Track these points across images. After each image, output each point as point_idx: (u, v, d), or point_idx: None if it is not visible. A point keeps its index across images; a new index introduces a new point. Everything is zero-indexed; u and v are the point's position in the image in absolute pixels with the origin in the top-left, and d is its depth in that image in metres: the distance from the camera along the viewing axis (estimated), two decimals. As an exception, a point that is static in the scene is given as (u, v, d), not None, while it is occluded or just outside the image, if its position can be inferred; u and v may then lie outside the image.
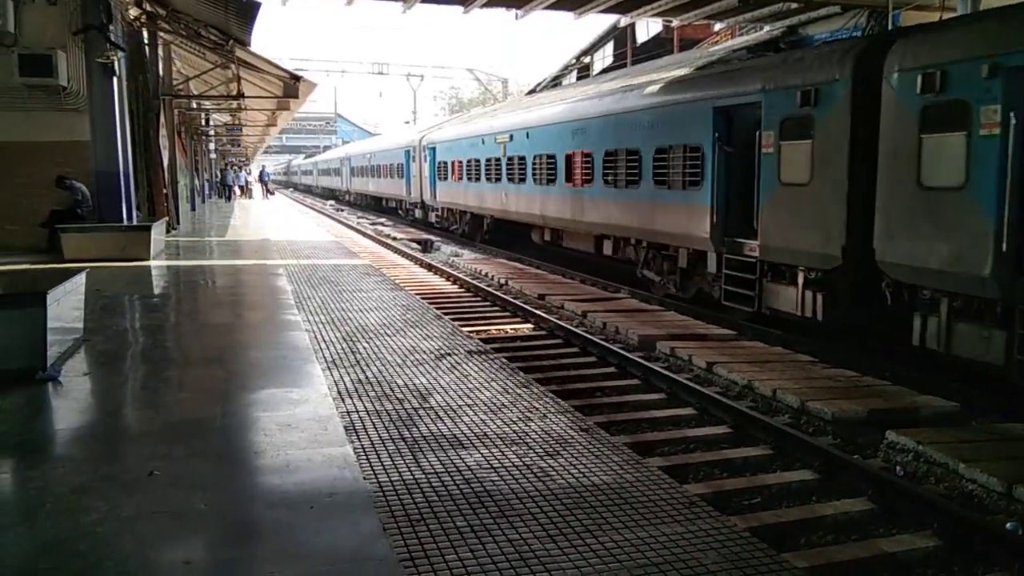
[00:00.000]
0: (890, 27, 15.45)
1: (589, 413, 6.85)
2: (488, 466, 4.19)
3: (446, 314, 9.84)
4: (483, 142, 21.38)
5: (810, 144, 9.24)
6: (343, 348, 6.89)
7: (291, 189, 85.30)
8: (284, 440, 4.48)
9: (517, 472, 4.12)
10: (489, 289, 14.22)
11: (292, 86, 21.41)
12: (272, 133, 48.12)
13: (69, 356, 6.39)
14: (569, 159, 15.70)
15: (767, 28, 21.14)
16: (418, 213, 29.99)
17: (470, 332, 9.20)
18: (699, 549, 3.35)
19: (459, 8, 17.25)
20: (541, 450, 4.46)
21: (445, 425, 4.86)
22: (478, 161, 21.61)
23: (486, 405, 5.31)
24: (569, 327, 10.77)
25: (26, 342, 5.70)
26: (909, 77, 7.91)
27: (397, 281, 12.25)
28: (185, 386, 5.96)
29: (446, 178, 25.08)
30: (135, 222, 14.43)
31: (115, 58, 13.40)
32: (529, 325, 11.58)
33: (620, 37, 35.35)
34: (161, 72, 19.99)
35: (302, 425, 4.75)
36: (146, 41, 18.44)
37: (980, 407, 7.37)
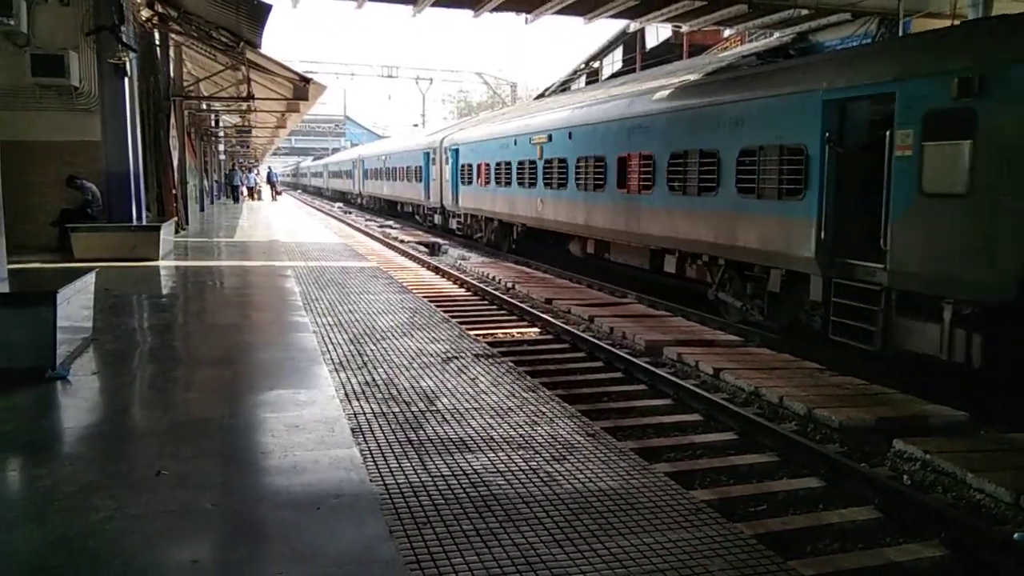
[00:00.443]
0: (900, 34, 15.43)
1: (596, 418, 6.84)
2: (495, 470, 4.20)
3: (453, 317, 9.85)
4: (515, 143, 19.58)
5: (970, 145, 7.44)
6: (350, 350, 6.90)
7: (299, 191, 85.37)
8: (291, 441, 4.49)
9: (524, 476, 4.12)
10: (496, 293, 14.24)
11: (302, 88, 21.50)
12: (281, 135, 48.34)
13: (78, 355, 6.42)
14: (623, 162, 13.88)
15: (777, 34, 21.15)
16: (437, 219, 28.35)
17: (477, 335, 9.21)
18: (705, 556, 3.34)
19: (469, 12, 17.31)
20: (548, 454, 4.46)
21: (452, 428, 4.86)
22: (508, 164, 19.89)
23: (493, 409, 5.31)
24: (576, 332, 10.77)
25: (36, 341, 5.74)
26: None
27: (404, 284, 12.27)
28: (193, 386, 5.98)
29: (470, 182, 23.29)
30: (144, 222, 14.49)
31: (127, 59, 13.48)
32: (536, 329, 11.58)
33: (629, 42, 35.38)
34: (172, 73, 20.11)
35: (309, 426, 4.76)
36: (157, 42, 18.56)
37: (989, 417, 7.33)
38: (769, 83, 10.39)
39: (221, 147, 41.53)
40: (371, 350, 6.93)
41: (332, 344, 7.11)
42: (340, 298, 9.82)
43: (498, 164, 20.72)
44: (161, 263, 12.89)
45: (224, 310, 9.43)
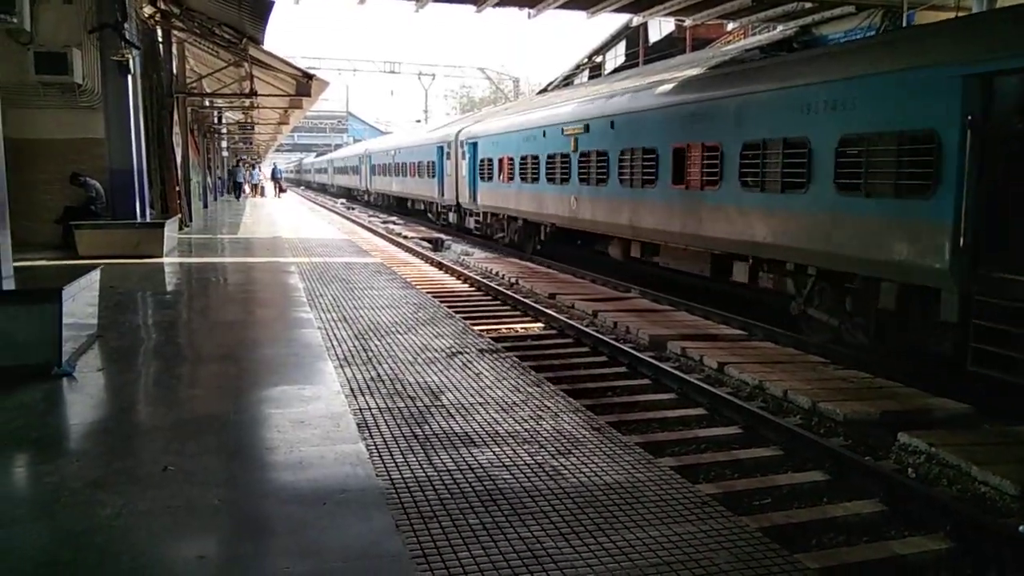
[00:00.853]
0: (904, 26, 15.37)
1: (600, 412, 6.83)
2: (500, 464, 4.20)
3: (457, 312, 9.86)
4: (544, 135, 17.82)
5: None
6: (355, 345, 6.91)
7: (303, 187, 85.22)
8: (297, 437, 4.50)
9: (529, 470, 4.13)
10: (500, 288, 14.24)
11: (304, 84, 21.51)
12: (284, 131, 48.33)
13: (83, 352, 6.44)
14: (680, 154, 12.16)
15: (780, 28, 21.08)
16: (452, 217, 26.47)
17: (481, 331, 9.22)
18: (711, 549, 3.35)
19: (471, 7, 17.27)
20: (553, 448, 4.47)
21: (457, 423, 4.87)
22: (536, 158, 18.17)
23: (497, 403, 5.32)
24: (580, 327, 10.77)
25: (42, 338, 5.75)
26: None
27: (408, 279, 12.28)
28: (198, 382, 5.99)
29: (491, 178, 21.47)
30: (148, 219, 14.52)
31: (130, 56, 13.50)
32: (540, 324, 11.58)
33: (632, 37, 35.33)
34: (175, 70, 20.13)
35: (314, 422, 4.77)
36: (160, 39, 18.57)
37: (994, 409, 7.32)
38: (883, 57, 8.69)
39: (224, 144, 41.58)
40: (376, 346, 6.94)
41: (337, 340, 7.12)
42: (344, 294, 9.83)
43: (523, 158, 19.03)
44: (165, 260, 12.91)
45: (228, 306, 9.45)
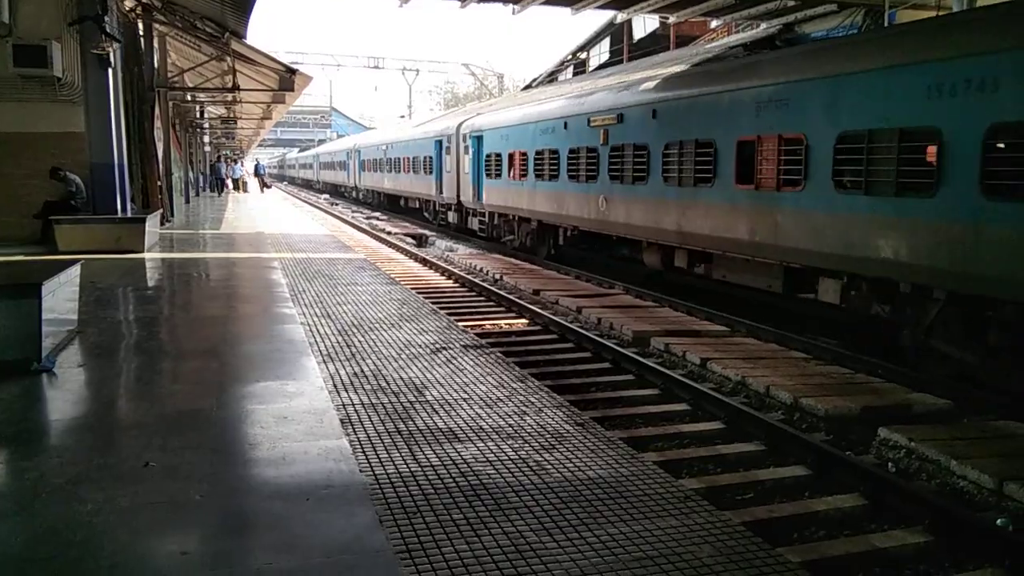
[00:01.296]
0: (886, 25, 15.49)
1: (584, 408, 6.87)
2: (484, 459, 4.21)
3: (441, 309, 9.85)
4: (565, 126, 15.85)
5: None
6: (338, 341, 6.89)
7: (285, 183, 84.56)
8: (280, 432, 4.48)
9: (513, 466, 4.13)
10: (484, 284, 14.23)
11: (287, 79, 21.40)
12: (267, 126, 48.10)
13: (63, 348, 6.38)
14: (744, 148, 10.54)
15: (763, 25, 21.19)
16: (452, 217, 24.32)
17: (465, 327, 9.19)
18: (694, 543, 3.37)
19: (455, 2, 17.25)
20: (537, 444, 4.47)
21: (441, 419, 4.87)
22: (556, 153, 16.32)
23: (482, 399, 5.32)
24: (564, 323, 10.79)
25: (21, 333, 5.69)
26: None
27: (392, 275, 12.25)
28: (180, 378, 5.95)
29: (500, 175, 19.49)
30: (129, 214, 14.39)
31: (110, 49, 13.36)
32: (524, 320, 11.59)
33: (616, 34, 35.40)
34: (156, 64, 19.94)
35: (298, 418, 4.75)
36: (141, 33, 18.38)
37: (973, 405, 7.41)
38: None
39: (206, 138, 41.25)
40: (359, 341, 6.92)
41: (320, 335, 7.09)
42: (327, 290, 9.79)
43: (539, 153, 17.11)
44: (146, 255, 12.81)
45: (210, 302, 9.38)
